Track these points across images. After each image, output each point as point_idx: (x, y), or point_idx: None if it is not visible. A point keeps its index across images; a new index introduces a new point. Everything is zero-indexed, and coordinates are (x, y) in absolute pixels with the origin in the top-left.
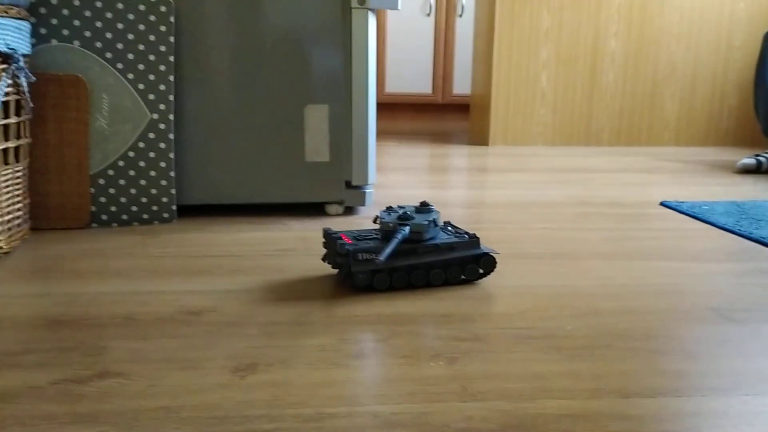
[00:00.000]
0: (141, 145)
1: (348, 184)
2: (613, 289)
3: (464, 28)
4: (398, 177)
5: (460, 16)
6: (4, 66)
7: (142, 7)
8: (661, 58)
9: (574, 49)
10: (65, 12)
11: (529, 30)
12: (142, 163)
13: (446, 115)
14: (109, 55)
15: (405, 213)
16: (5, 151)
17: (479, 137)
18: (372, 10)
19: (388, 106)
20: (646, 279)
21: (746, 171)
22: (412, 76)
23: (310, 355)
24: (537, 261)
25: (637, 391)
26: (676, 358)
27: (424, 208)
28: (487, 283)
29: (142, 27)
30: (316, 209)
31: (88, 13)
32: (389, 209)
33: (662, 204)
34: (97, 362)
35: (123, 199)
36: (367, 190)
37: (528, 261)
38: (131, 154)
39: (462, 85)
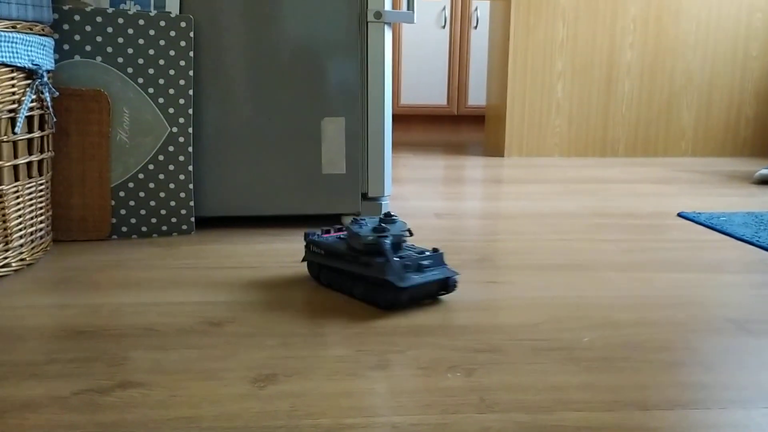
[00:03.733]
0: (161, 158)
1: (364, 196)
2: (630, 301)
3: (479, 40)
4: (414, 188)
5: (475, 27)
6: (28, 81)
7: (162, 23)
8: (677, 68)
9: (590, 59)
10: (88, 28)
11: (544, 41)
12: (161, 176)
13: (461, 127)
14: (130, 70)
15: (381, 225)
16: (29, 164)
17: (494, 148)
18: (388, 23)
19: (403, 118)
20: (664, 290)
21: (764, 182)
22: (427, 88)
23: (328, 366)
24: (553, 272)
25: (655, 403)
26: (695, 370)
27: (389, 219)
28: (503, 295)
29: (162, 42)
30: (332, 221)
31: (110, 30)
32: (357, 222)
33: (679, 215)
34: (119, 372)
35: (143, 211)
36: (383, 202)
37: (544, 272)
38: (151, 166)
39: (477, 96)
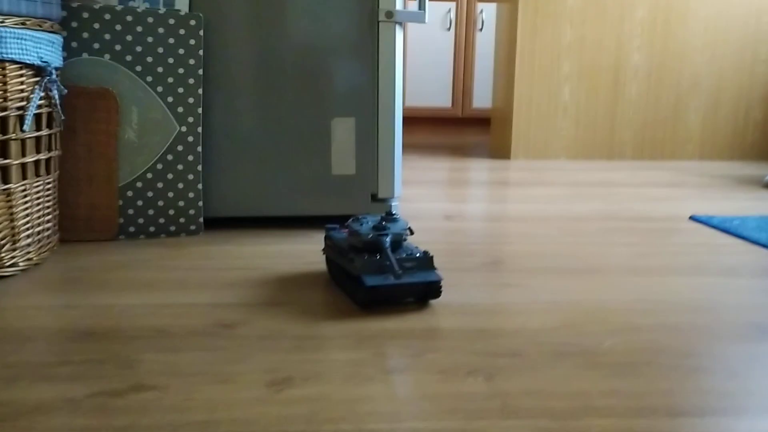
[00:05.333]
0: (169, 157)
1: (374, 197)
2: (648, 305)
3: (484, 43)
4: (420, 190)
5: (480, 30)
6: (36, 79)
7: (171, 21)
8: (684, 71)
9: (597, 62)
10: (96, 26)
11: (551, 43)
12: (170, 176)
13: (465, 129)
14: (138, 68)
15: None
16: (37, 163)
17: (500, 151)
18: (399, 23)
19: (407, 120)
20: (681, 294)
21: None
22: (431, 90)
23: (345, 370)
24: (568, 276)
25: (684, 409)
26: (721, 376)
27: (390, 217)
28: (519, 298)
29: (171, 40)
30: (342, 222)
31: (118, 27)
32: (358, 219)
33: (692, 218)
34: (132, 375)
35: (151, 212)
36: (393, 203)
37: (559, 276)
38: (159, 166)
39: (481, 99)
